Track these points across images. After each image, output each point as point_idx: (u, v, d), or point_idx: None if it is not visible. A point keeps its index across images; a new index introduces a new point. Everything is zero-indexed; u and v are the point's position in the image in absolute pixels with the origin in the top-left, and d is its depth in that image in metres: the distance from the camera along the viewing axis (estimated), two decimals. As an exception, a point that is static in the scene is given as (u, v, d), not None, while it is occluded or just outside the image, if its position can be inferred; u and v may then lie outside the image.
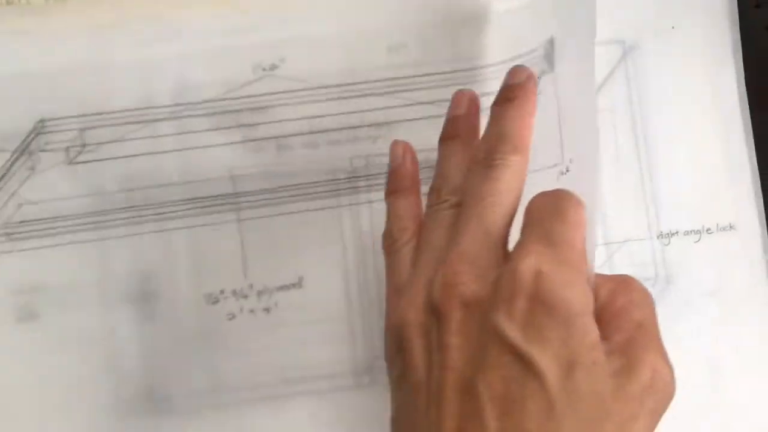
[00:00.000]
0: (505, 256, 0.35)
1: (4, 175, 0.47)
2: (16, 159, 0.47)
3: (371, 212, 0.48)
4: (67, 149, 0.47)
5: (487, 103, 0.42)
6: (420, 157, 0.46)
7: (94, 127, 0.47)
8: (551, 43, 0.48)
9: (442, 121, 0.47)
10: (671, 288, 0.48)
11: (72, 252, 0.46)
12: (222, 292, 0.47)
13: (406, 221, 0.40)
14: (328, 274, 0.48)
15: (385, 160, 0.46)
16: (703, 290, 0.49)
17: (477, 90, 0.45)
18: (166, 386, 0.46)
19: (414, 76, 0.49)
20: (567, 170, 0.46)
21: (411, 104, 0.49)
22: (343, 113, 0.48)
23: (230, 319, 0.47)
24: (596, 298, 0.34)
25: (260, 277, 0.47)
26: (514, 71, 0.42)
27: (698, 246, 0.49)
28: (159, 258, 0.47)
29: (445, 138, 0.42)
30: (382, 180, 0.48)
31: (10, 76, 0.47)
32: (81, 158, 0.47)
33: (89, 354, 0.46)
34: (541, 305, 0.32)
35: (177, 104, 0.48)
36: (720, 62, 0.51)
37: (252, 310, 0.47)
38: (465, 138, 0.41)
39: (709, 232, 0.49)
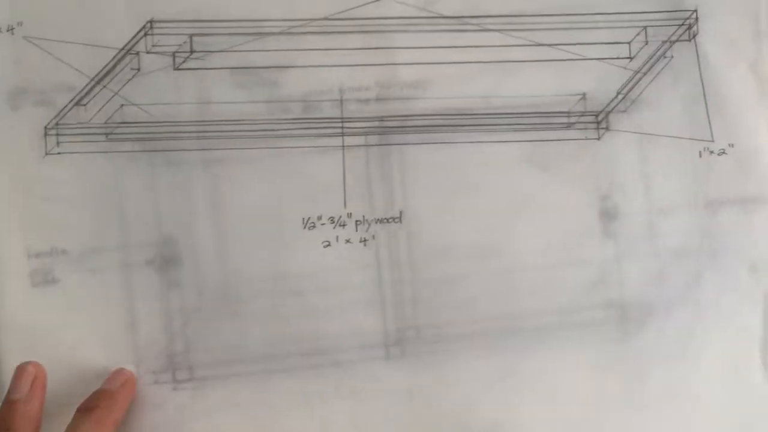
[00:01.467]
0: None
1: (108, 73, 0.45)
2: (122, 58, 0.45)
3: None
4: (174, 54, 0.45)
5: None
6: (523, 101, 0.45)
7: (203, 34, 0.45)
8: (694, 11, 0.46)
9: (559, 66, 0.46)
10: (717, 261, 0.47)
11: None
12: (320, 218, 0.46)
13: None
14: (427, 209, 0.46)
15: (505, 101, 0.44)
16: (752, 264, 0.47)
17: (582, 37, 0.45)
18: (196, 352, 0.45)
19: (535, 15, 0.47)
20: (722, 152, 0.45)
21: (529, 45, 0.47)
22: (458, 46, 0.46)
23: (326, 246, 0.46)
24: None
25: (360, 208, 0.46)
26: (111, 376, 0.44)
27: (748, 217, 0.47)
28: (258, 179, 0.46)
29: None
30: (499, 122, 0.47)
31: (124, -28, 0.45)
32: (187, 65, 0.45)
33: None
34: None
35: (290, 19, 0.46)
36: None
37: (348, 240, 0.46)
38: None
39: (761, 201, 0.47)
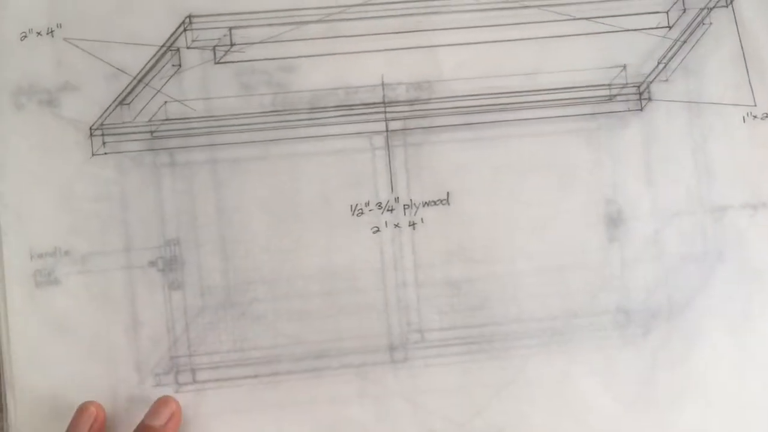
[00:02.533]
0: None
1: (149, 71, 0.45)
2: (162, 55, 0.45)
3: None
4: (214, 48, 0.45)
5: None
6: (564, 77, 0.45)
7: (243, 27, 0.45)
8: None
9: (598, 39, 0.46)
10: (722, 265, 0.47)
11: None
12: (367, 204, 0.46)
13: None
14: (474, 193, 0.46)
15: (547, 78, 0.44)
16: (756, 269, 0.47)
17: (620, 8, 0.45)
18: (198, 355, 0.45)
19: (573, -10, 0.47)
20: (766, 116, 0.45)
21: (568, 19, 0.47)
22: (499, 24, 0.46)
23: (375, 233, 0.46)
24: None
25: (406, 192, 0.46)
26: (156, 409, 0.43)
27: (753, 221, 0.47)
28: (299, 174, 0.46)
29: None
30: (542, 98, 0.46)
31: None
32: (228, 58, 0.45)
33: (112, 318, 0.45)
34: None
35: (328, 6, 0.46)
36: None
37: (397, 224, 0.46)
38: None
39: (766, 206, 0.47)
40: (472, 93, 0.46)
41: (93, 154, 0.45)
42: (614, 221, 0.46)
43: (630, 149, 0.46)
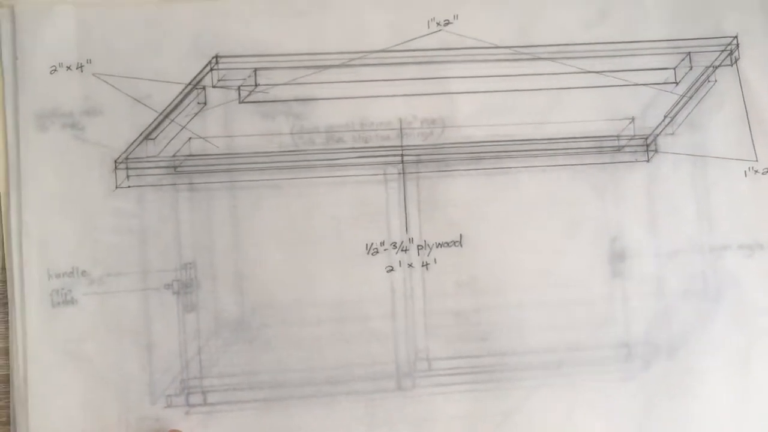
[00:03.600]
0: None
1: (176, 107, 0.46)
2: (189, 92, 0.46)
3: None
4: (239, 88, 0.47)
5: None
6: (574, 127, 0.47)
7: (267, 68, 0.47)
8: (735, 37, 0.49)
9: (608, 92, 0.48)
10: (721, 303, 0.48)
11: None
12: (382, 243, 0.47)
13: None
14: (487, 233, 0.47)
15: (557, 128, 0.46)
16: (755, 307, 0.48)
17: (629, 64, 0.47)
18: (210, 377, 0.46)
19: (585, 44, 0.48)
20: (767, 171, 0.47)
21: (579, 72, 0.48)
22: (513, 75, 0.48)
23: (389, 272, 0.47)
24: None
25: (420, 232, 0.47)
26: None
27: (751, 261, 0.48)
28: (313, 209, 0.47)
29: None
30: (552, 147, 0.48)
31: (191, 11, 0.46)
32: (252, 98, 0.47)
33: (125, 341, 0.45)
34: None
35: (349, 52, 0.47)
36: None
37: (411, 264, 0.47)
38: None
39: (762, 247, 0.49)
40: (485, 139, 0.48)
41: (117, 187, 0.46)
42: (618, 258, 0.47)
43: (635, 194, 0.48)
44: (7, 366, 0.45)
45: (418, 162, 0.47)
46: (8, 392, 0.45)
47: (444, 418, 0.46)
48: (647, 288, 0.48)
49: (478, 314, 0.47)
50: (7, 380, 0.45)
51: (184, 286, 0.46)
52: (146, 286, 0.45)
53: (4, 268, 0.45)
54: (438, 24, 0.48)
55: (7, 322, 0.45)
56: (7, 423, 0.45)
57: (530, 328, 0.47)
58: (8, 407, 0.45)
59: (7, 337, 0.45)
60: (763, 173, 0.49)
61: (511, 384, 0.47)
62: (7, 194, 0.45)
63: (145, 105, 0.46)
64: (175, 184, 0.46)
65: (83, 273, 0.45)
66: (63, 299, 0.45)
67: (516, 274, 0.47)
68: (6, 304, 0.45)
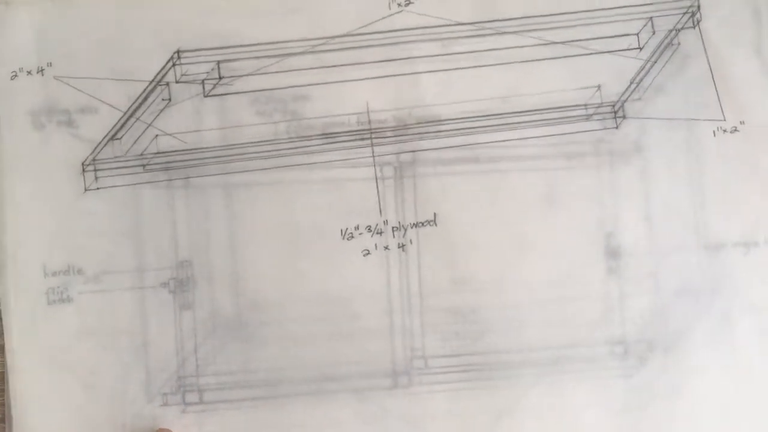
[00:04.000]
0: None
1: (140, 106, 0.46)
2: (153, 89, 0.46)
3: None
4: (203, 81, 0.46)
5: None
6: (541, 99, 0.47)
7: (230, 60, 0.47)
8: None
9: (573, 62, 0.48)
10: (716, 301, 0.48)
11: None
12: (357, 227, 0.47)
13: None
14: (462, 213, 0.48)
15: (524, 100, 0.46)
16: (750, 304, 0.48)
17: (592, 32, 0.47)
18: (206, 376, 0.46)
19: (547, 15, 0.48)
20: (735, 130, 0.47)
21: (543, 44, 0.48)
22: (476, 51, 0.48)
23: (365, 255, 0.47)
24: None
25: (395, 215, 0.47)
26: None
27: (746, 259, 0.49)
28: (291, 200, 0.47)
29: None
30: (520, 119, 0.48)
31: (150, 7, 0.46)
32: (217, 91, 0.46)
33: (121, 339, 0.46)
34: None
35: (312, 38, 0.47)
36: None
37: (387, 247, 0.47)
38: None
39: (757, 245, 0.49)
40: (453, 116, 0.48)
41: (86, 189, 0.46)
42: (614, 254, 0.48)
43: (626, 185, 0.48)
44: (2, 364, 0.45)
45: (389, 145, 0.47)
46: (3, 390, 0.45)
47: (441, 415, 0.47)
48: (643, 284, 0.48)
49: (474, 311, 0.47)
50: (2, 378, 0.45)
51: (180, 284, 0.45)
52: (142, 284, 0.45)
53: None
54: (399, 5, 0.48)
55: (1, 320, 0.45)
56: (2, 420, 0.45)
57: (526, 326, 0.47)
58: (3, 405, 0.45)
59: (2, 335, 0.45)
60: (731, 132, 0.49)
61: (508, 381, 0.47)
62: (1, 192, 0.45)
63: (110, 105, 0.46)
64: (148, 183, 0.46)
65: (79, 271, 0.45)
66: (58, 297, 0.45)
67: (505, 262, 0.47)
68: (0, 302, 0.45)
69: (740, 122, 0.49)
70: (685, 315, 0.48)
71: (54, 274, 0.45)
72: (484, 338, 0.47)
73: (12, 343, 0.45)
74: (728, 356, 0.48)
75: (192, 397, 0.45)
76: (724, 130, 0.49)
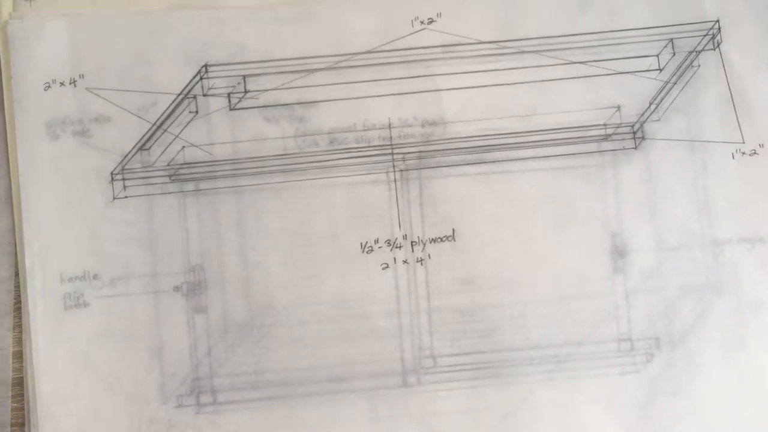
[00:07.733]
0: None
1: (168, 117, 0.47)
2: (180, 102, 0.47)
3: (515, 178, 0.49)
4: (229, 95, 0.48)
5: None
6: (561, 118, 0.48)
7: (256, 75, 0.48)
8: (717, 21, 0.49)
9: (593, 82, 0.48)
10: (722, 297, 0.49)
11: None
12: (376, 241, 0.48)
13: None
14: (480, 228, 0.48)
15: (544, 119, 0.47)
16: (756, 300, 0.49)
17: (613, 53, 0.48)
18: (219, 377, 0.47)
19: (569, 35, 0.49)
20: (754, 152, 0.47)
21: (563, 63, 0.49)
22: (497, 69, 0.49)
23: (384, 269, 0.48)
24: None
25: (414, 229, 0.48)
26: None
27: (752, 255, 0.49)
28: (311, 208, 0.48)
29: None
30: (540, 138, 0.49)
31: (179, 21, 0.47)
32: (242, 104, 0.48)
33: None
34: None
35: (336, 54, 0.48)
36: None
37: (405, 261, 0.48)
38: None
39: (763, 241, 0.49)
40: (473, 134, 0.48)
41: (114, 198, 0.47)
42: (619, 253, 0.48)
43: (631, 185, 0.49)
44: (21, 369, 0.46)
45: (409, 160, 0.48)
46: (23, 395, 0.46)
47: (449, 413, 0.47)
48: (649, 282, 0.48)
49: (480, 309, 0.48)
50: (21, 383, 0.46)
51: (193, 288, 0.46)
52: (156, 288, 0.46)
53: (17, 273, 0.46)
54: (422, 23, 0.49)
55: (20, 326, 0.46)
56: (22, 425, 0.46)
57: (533, 324, 0.48)
58: (23, 409, 0.46)
59: (21, 341, 0.46)
60: (750, 155, 0.49)
61: (515, 379, 0.47)
62: (19, 201, 0.46)
63: (139, 117, 0.47)
64: (172, 192, 0.47)
65: (95, 276, 0.46)
66: (75, 302, 0.46)
67: (514, 266, 0.48)
68: (20, 308, 0.46)
69: (759, 145, 0.49)
70: (691, 311, 0.48)
71: (71, 279, 0.46)
72: (491, 337, 0.48)
73: (31, 348, 0.46)
74: (734, 352, 0.48)
75: (206, 398, 0.46)
76: (743, 153, 0.49)
